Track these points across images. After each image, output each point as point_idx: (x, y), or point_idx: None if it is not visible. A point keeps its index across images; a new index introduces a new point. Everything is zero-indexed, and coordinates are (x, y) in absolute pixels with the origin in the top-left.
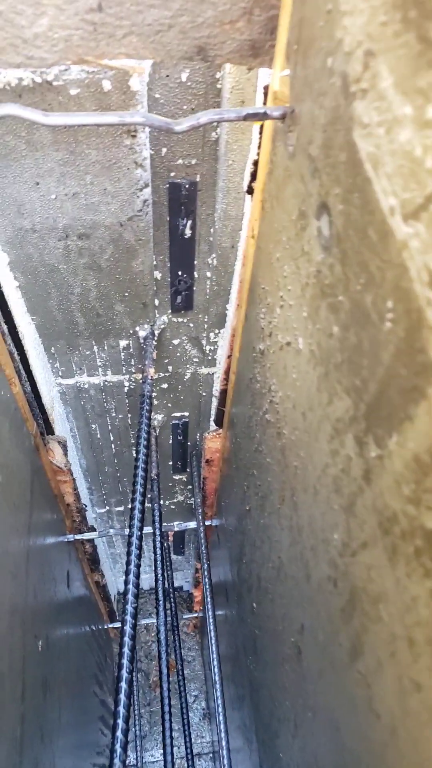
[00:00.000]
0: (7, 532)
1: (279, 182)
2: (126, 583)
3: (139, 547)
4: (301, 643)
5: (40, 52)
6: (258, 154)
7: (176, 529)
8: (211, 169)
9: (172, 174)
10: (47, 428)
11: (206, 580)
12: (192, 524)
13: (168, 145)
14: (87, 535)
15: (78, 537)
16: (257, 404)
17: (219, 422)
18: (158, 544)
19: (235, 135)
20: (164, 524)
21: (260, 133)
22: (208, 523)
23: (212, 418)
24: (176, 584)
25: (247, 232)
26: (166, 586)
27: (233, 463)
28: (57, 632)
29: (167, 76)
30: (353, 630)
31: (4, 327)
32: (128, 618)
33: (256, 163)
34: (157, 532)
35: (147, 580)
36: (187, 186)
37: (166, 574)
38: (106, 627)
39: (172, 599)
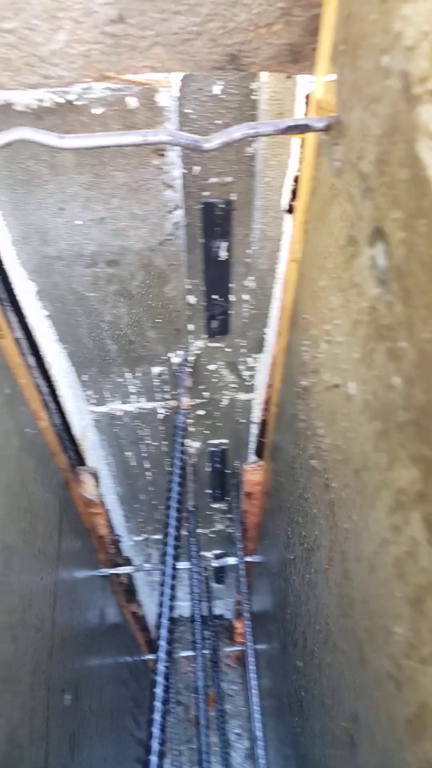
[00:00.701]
0: (30, 583)
1: (323, 202)
2: (159, 626)
3: (172, 587)
4: (355, 733)
5: (57, 71)
6: (299, 169)
7: (215, 565)
8: (247, 187)
9: (206, 193)
10: (78, 459)
11: (248, 631)
12: (232, 560)
13: (200, 162)
14: (121, 570)
15: (112, 571)
16: (301, 445)
17: (259, 453)
18: (195, 578)
19: (273, 149)
20: (203, 553)
21: (302, 146)
22: (248, 559)
23: (252, 447)
24: (217, 612)
25: (287, 254)
26: (205, 617)
27: (275, 502)
28: (88, 678)
29: (198, 89)
30: (424, 753)
31: (31, 359)
32: (162, 654)
33: (297, 180)
34: (195, 568)
35: (188, 607)
36: (221, 206)
37: (204, 606)
38: (143, 658)
39: (211, 630)
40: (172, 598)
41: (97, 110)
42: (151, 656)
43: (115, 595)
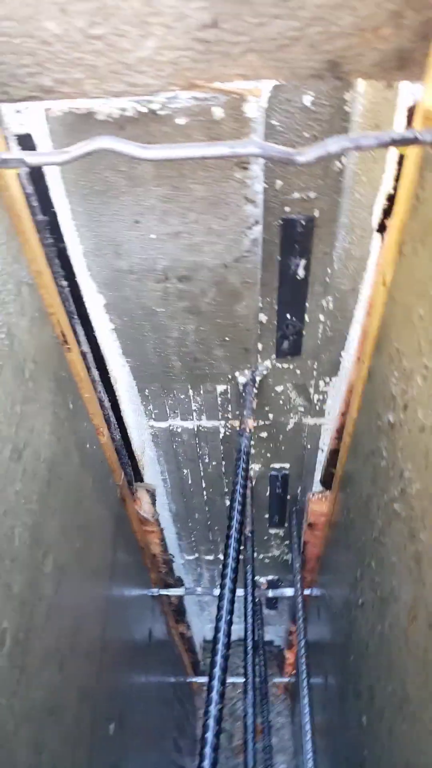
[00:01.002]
0: (82, 605)
1: (426, 223)
2: (212, 665)
3: (229, 621)
4: None
5: (144, 78)
6: (395, 187)
7: (270, 595)
8: (332, 203)
9: (287, 209)
10: (136, 475)
11: (303, 670)
12: (288, 591)
13: (284, 177)
14: (173, 591)
15: (163, 592)
16: (381, 484)
17: (327, 483)
18: (249, 606)
19: (365, 164)
20: (257, 578)
21: (399, 162)
22: (307, 592)
23: (318, 475)
24: (267, 638)
25: (375, 276)
26: (256, 643)
27: (343, 537)
28: (133, 704)
29: (288, 99)
30: None
31: (96, 373)
32: (213, 696)
33: (390, 198)
34: (249, 596)
35: (236, 630)
36: (303, 222)
37: (256, 633)
38: (189, 681)
39: (261, 658)
40: (228, 634)
41: (181, 120)
42: (196, 679)
43: (164, 615)
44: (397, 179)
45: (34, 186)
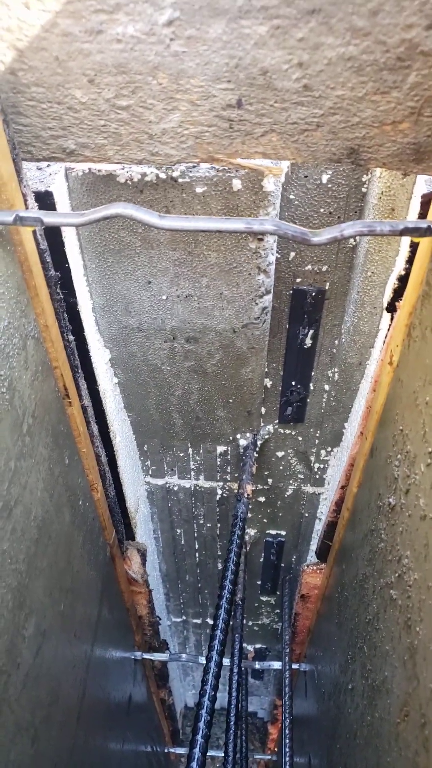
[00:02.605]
0: (62, 673)
1: None
2: (194, 729)
3: (212, 697)
4: None
5: (166, 149)
6: (406, 269)
7: (258, 667)
8: (343, 278)
9: (298, 280)
10: (128, 533)
11: (287, 752)
12: (276, 664)
13: (297, 249)
14: (157, 656)
15: (147, 656)
16: (378, 566)
17: (322, 556)
18: (235, 677)
19: (378, 244)
20: (245, 645)
21: (412, 246)
22: (295, 666)
23: (314, 546)
24: (251, 709)
25: (382, 355)
26: (239, 716)
27: (335, 615)
28: None
29: (305, 176)
30: None
31: (95, 427)
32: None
33: (402, 279)
34: (235, 667)
35: (219, 698)
36: (313, 294)
37: (240, 705)
38: (167, 751)
39: (243, 732)
40: (211, 711)
41: (200, 189)
42: (175, 750)
43: (145, 679)
44: (409, 262)
45: (49, 241)
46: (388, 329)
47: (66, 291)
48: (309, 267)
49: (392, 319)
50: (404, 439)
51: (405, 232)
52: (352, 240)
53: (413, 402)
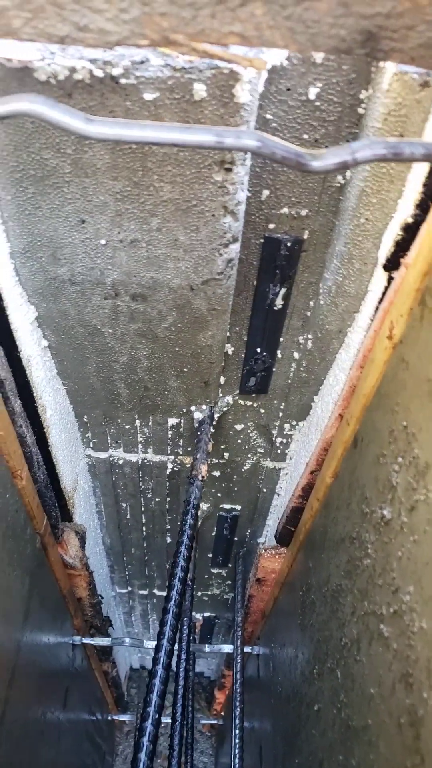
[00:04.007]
0: None
1: None
2: (142, 733)
3: (165, 681)
4: None
5: (99, 21)
6: (416, 216)
7: (207, 650)
8: (326, 226)
9: (271, 226)
10: (64, 515)
11: (236, 738)
12: (227, 648)
13: (273, 186)
14: (98, 641)
15: (87, 641)
16: (360, 587)
17: (283, 541)
18: (183, 649)
19: (378, 182)
20: (195, 614)
21: (426, 186)
22: (247, 650)
23: (270, 522)
24: (198, 669)
25: (376, 325)
26: (187, 685)
27: (297, 612)
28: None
29: (288, 90)
30: None
31: (16, 403)
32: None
33: (407, 229)
34: (184, 641)
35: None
36: (289, 244)
37: (189, 676)
38: (111, 718)
39: (190, 701)
40: (162, 693)
41: (150, 95)
42: (120, 717)
43: (87, 658)
44: (422, 207)
45: None
46: (384, 292)
47: None
48: (285, 210)
49: (390, 279)
50: (409, 439)
51: None
52: (340, 177)
53: (426, 393)
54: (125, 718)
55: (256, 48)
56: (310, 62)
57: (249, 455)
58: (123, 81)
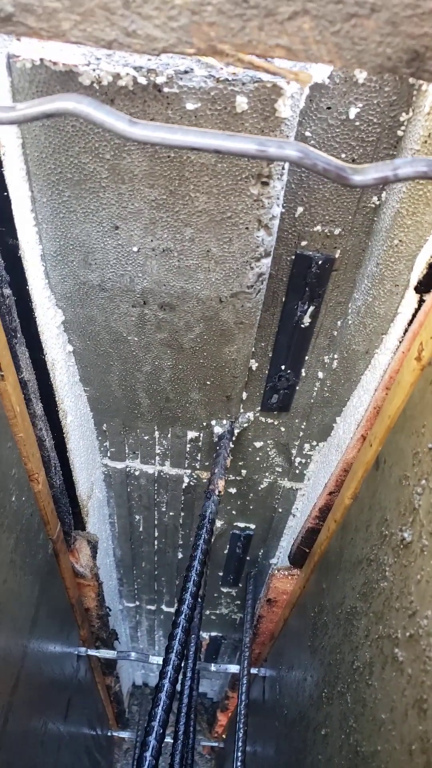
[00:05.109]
0: None
1: None
2: (144, 749)
3: (171, 696)
4: None
5: (148, 27)
6: None
7: (213, 669)
8: (358, 246)
9: (303, 243)
10: (77, 523)
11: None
12: (233, 668)
13: (307, 203)
14: (103, 653)
15: (92, 653)
16: (376, 609)
17: (296, 562)
18: (189, 675)
19: (414, 204)
20: (202, 633)
21: None
22: (254, 671)
23: (284, 542)
24: (201, 689)
25: (404, 346)
26: (190, 706)
27: (308, 635)
28: None
29: (328, 108)
30: None
31: (38, 406)
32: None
33: None
34: (191, 658)
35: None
36: (320, 262)
37: (192, 695)
38: (110, 734)
39: (193, 721)
40: (168, 708)
41: (192, 105)
42: (120, 734)
43: (91, 670)
44: None
45: None
46: (414, 314)
47: (3, 229)
48: (318, 228)
49: (421, 302)
50: None
51: None
52: (376, 198)
53: None
54: (125, 735)
55: (302, 62)
56: (352, 82)
57: (267, 473)
58: (166, 90)
